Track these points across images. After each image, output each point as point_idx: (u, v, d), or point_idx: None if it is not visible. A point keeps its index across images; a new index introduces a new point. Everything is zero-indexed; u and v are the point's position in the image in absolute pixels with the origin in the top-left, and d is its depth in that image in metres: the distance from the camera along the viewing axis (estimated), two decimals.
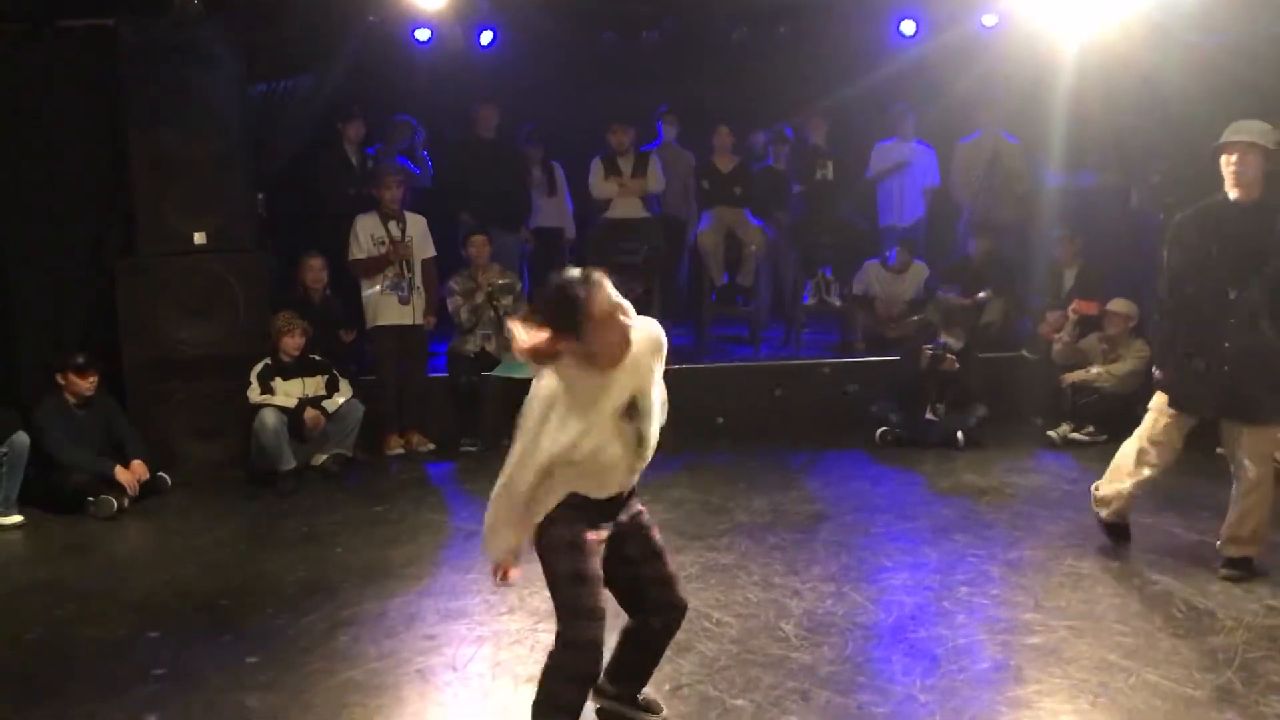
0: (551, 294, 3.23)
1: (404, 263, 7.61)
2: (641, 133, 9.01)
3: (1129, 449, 5.12)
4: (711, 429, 7.90)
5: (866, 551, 5.42)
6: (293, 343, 7.07)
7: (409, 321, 7.67)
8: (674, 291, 9.63)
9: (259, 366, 7.03)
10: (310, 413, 7.04)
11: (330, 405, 7.18)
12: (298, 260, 7.61)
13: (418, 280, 7.69)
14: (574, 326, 3.15)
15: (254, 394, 6.98)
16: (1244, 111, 6.63)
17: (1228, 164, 4.72)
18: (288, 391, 7.06)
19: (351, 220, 7.69)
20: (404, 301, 7.62)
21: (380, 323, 7.66)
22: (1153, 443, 5.02)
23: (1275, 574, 4.90)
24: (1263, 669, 3.98)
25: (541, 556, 3.42)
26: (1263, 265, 4.66)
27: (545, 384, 3.23)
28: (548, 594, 4.78)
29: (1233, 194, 4.75)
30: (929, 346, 7.52)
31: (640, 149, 8.91)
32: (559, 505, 3.37)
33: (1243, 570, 4.84)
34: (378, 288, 7.61)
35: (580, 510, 3.37)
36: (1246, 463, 4.81)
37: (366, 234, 7.61)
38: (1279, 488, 4.89)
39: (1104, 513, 5.24)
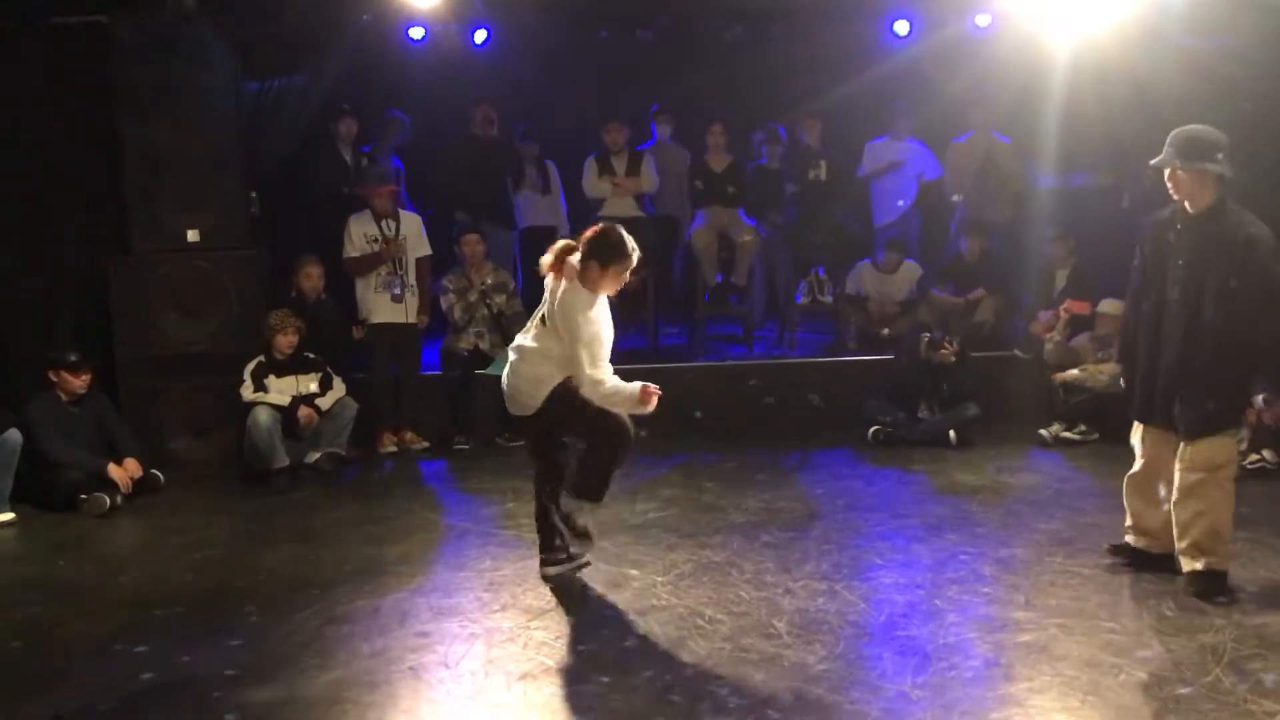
0: (609, 234, 4.72)
1: (397, 261, 7.61)
2: (636, 131, 9.02)
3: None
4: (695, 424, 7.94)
5: (858, 550, 5.43)
6: (286, 341, 7.07)
7: (403, 320, 7.67)
8: (669, 290, 9.64)
9: (252, 364, 7.03)
10: (304, 410, 7.04)
11: (323, 403, 7.17)
12: (293, 263, 7.58)
13: (411, 279, 7.69)
14: (609, 260, 4.67)
15: (247, 391, 6.97)
16: (1233, 115, 6.65)
17: (1167, 178, 4.67)
18: (281, 389, 7.05)
19: (344, 218, 7.69)
20: (398, 300, 7.62)
21: (374, 321, 7.66)
22: (1144, 459, 4.94)
23: (1264, 573, 4.93)
24: (1251, 667, 4.00)
25: (568, 406, 4.72)
26: (1205, 276, 4.55)
27: (585, 298, 4.63)
28: (540, 591, 4.83)
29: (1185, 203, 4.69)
30: (926, 334, 7.57)
31: (635, 148, 8.93)
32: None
33: (1199, 585, 4.64)
34: (372, 286, 7.62)
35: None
36: (1185, 473, 4.70)
37: (360, 233, 7.61)
38: (1228, 497, 4.70)
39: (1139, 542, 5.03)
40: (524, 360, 4.79)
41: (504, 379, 4.88)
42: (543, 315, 4.81)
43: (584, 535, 4.88)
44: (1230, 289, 4.50)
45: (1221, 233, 4.56)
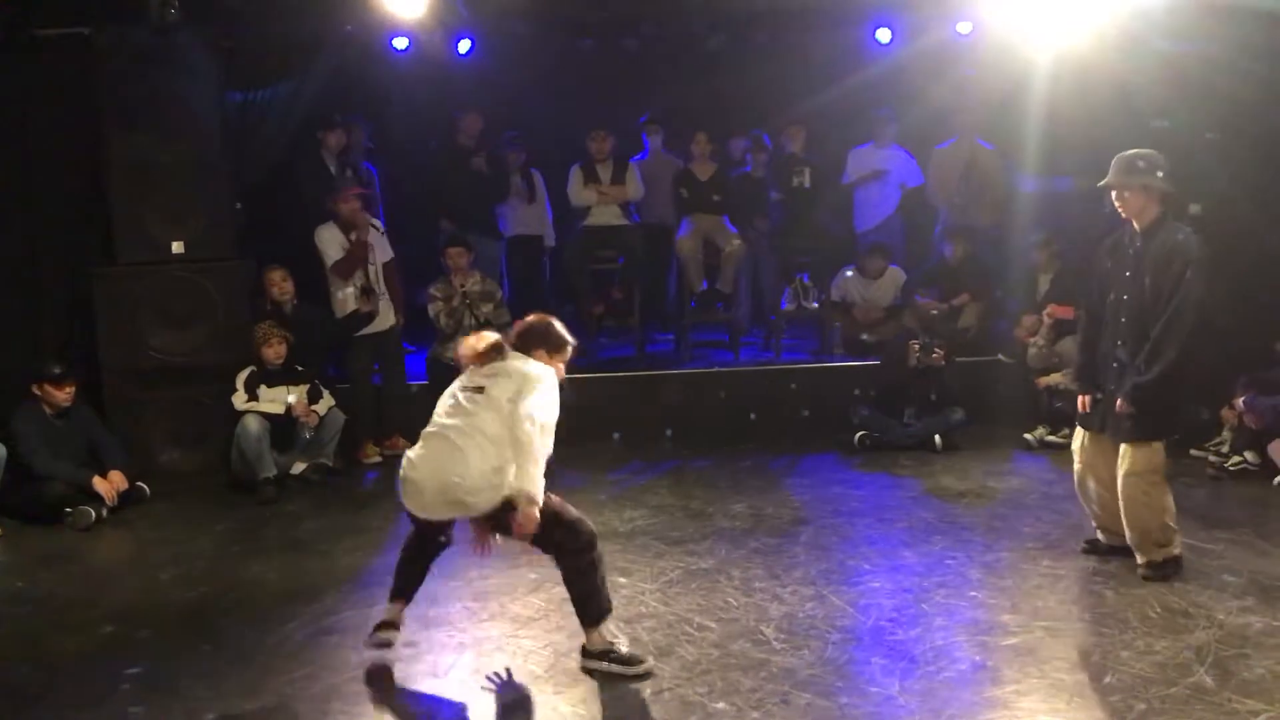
0: (551, 325, 4.43)
1: (365, 270, 7.58)
2: (621, 140, 9.02)
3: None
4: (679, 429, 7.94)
5: (846, 555, 5.45)
6: (273, 352, 7.07)
7: (381, 327, 7.67)
8: (662, 298, 9.66)
9: (245, 373, 7.01)
10: (300, 403, 7.02)
11: (317, 410, 7.17)
12: (261, 274, 7.53)
13: (381, 286, 7.68)
14: (557, 349, 4.40)
15: (239, 400, 6.96)
16: (1211, 118, 6.70)
17: (1114, 200, 4.98)
18: (272, 399, 7.05)
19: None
20: (371, 309, 7.60)
21: (354, 333, 7.63)
22: (1082, 462, 5.21)
23: (1247, 573, 4.97)
24: (1235, 668, 4.04)
25: (543, 510, 3.97)
26: (1143, 290, 4.82)
27: (551, 380, 4.15)
28: (527, 600, 4.83)
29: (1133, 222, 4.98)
30: (916, 341, 7.60)
31: (630, 159, 8.93)
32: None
33: (1157, 573, 4.90)
34: (350, 290, 7.58)
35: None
36: (1121, 476, 4.96)
37: (336, 241, 7.58)
38: (1163, 494, 4.95)
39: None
40: (471, 443, 4.00)
41: (425, 471, 4.07)
42: (478, 386, 4.15)
43: (632, 660, 4.14)
44: (1160, 303, 4.77)
45: (1158, 247, 4.83)
